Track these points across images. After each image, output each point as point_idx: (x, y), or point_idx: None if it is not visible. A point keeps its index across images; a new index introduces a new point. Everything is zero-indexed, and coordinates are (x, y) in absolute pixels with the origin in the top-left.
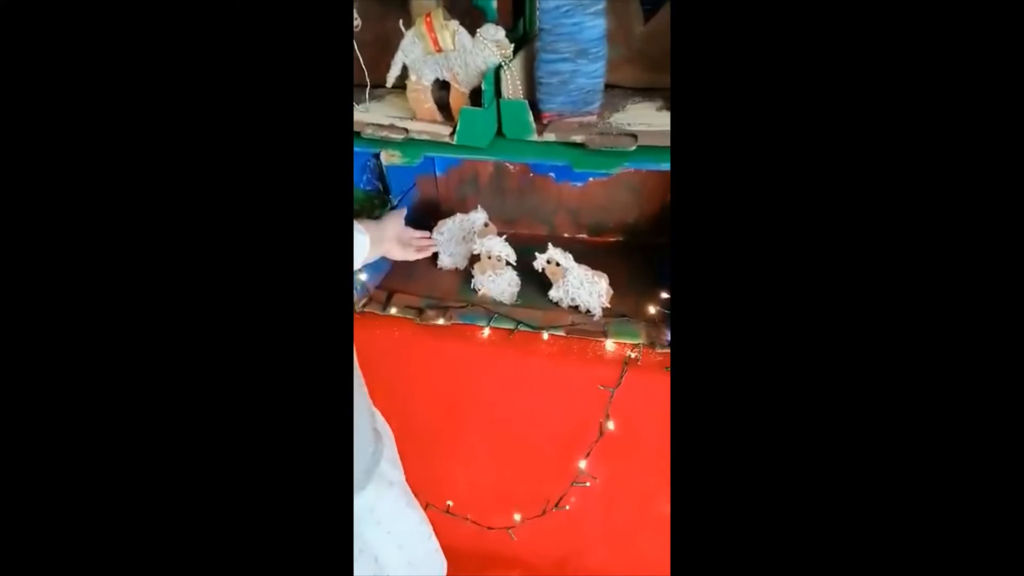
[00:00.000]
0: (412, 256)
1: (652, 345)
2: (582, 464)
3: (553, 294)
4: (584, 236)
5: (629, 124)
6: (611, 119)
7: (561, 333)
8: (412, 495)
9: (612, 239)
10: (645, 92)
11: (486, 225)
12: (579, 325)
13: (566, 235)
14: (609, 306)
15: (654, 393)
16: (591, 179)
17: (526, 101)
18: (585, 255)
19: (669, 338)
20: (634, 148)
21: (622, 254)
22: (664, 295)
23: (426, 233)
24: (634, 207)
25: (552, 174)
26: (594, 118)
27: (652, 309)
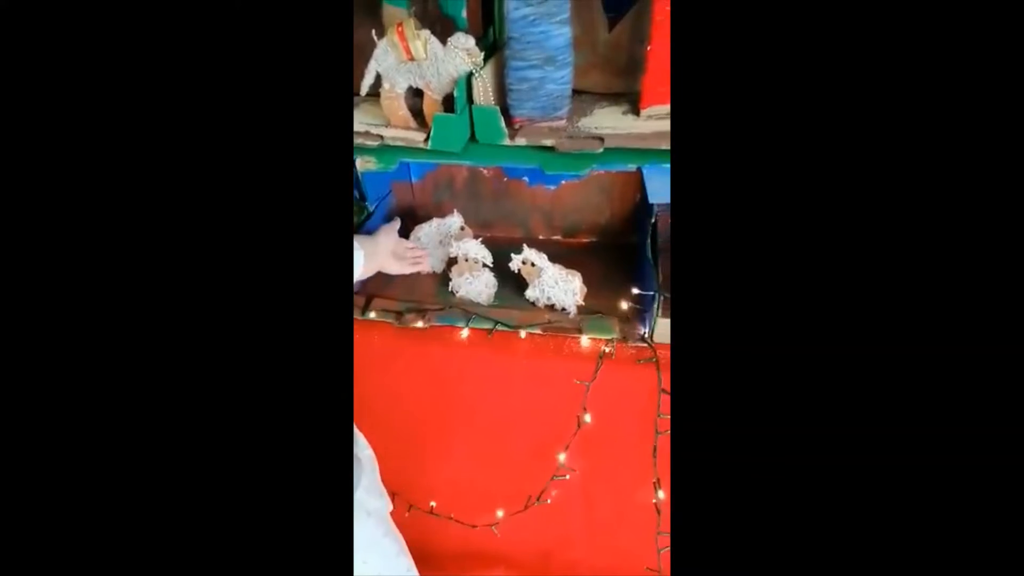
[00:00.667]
0: (408, 269)
1: (625, 340)
2: (561, 457)
3: (529, 294)
4: (558, 238)
5: (596, 127)
6: (579, 123)
7: (538, 331)
8: (393, 525)
9: (586, 240)
10: (612, 97)
11: (462, 229)
12: (555, 323)
13: (541, 237)
14: (583, 304)
15: (628, 386)
16: (563, 182)
17: (497, 107)
18: (560, 256)
19: (641, 332)
20: (601, 150)
21: (595, 254)
22: (635, 291)
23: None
24: (605, 208)
25: (526, 178)
26: (563, 122)
27: (624, 305)
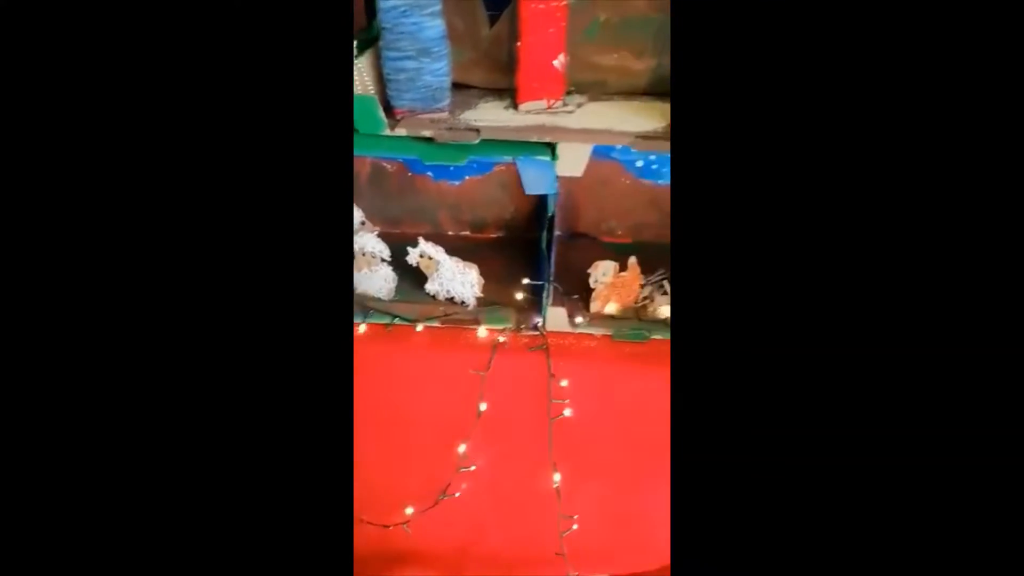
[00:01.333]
0: None
1: (519, 329)
2: (461, 449)
3: (429, 287)
4: (467, 233)
5: (475, 120)
6: (462, 116)
7: (436, 324)
8: None
9: (493, 235)
10: (495, 92)
11: (363, 223)
12: (452, 315)
13: (450, 232)
14: (482, 295)
15: (523, 373)
16: (467, 178)
17: (375, 96)
18: (468, 250)
19: (535, 321)
20: (477, 141)
21: (501, 248)
22: (525, 280)
23: None
24: (508, 204)
25: (430, 173)
26: (445, 115)
27: (519, 295)
